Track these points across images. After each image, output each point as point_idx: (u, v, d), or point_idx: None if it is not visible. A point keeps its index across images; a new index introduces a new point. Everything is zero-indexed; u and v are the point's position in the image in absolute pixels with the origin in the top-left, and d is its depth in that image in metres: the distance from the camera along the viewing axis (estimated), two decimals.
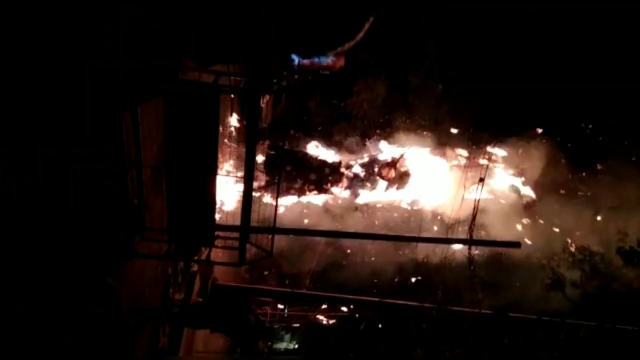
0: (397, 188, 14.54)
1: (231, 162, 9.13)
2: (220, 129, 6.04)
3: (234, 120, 9.17)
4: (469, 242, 10.05)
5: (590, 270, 10.27)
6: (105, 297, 5.80)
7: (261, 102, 6.04)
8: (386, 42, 15.95)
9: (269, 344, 14.78)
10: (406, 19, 15.33)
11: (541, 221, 13.66)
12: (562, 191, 14.17)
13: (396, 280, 14.73)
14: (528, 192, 14.57)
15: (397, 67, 16.44)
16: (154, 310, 7.65)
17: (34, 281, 4.32)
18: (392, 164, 14.43)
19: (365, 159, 15.54)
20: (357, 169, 15.08)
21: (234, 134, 9.15)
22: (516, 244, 9.87)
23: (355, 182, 14.90)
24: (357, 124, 17.05)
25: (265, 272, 16.40)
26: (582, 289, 10.41)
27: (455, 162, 15.80)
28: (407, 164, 14.97)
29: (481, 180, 10.71)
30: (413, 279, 14.68)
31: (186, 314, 8.48)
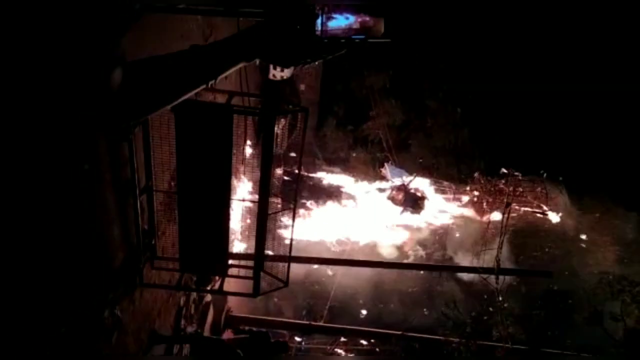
0: (412, 213, 14.06)
1: (246, 188, 8.87)
2: (235, 155, 5.80)
3: (248, 148, 8.98)
4: (496, 271, 9.48)
5: (631, 302, 9.55)
6: (111, 329, 5.48)
7: (276, 127, 5.81)
8: (403, 65, 15.86)
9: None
10: (424, 41, 15.24)
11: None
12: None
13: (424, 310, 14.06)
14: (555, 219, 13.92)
15: (414, 90, 16.28)
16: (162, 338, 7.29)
17: (38, 310, 4.03)
18: (402, 187, 14.04)
19: (382, 184, 15.19)
20: (374, 194, 14.69)
21: (248, 160, 8.94)
22: (548, 274, 9.27)
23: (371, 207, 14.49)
24: (373, 149, 16.82)
25: (282, 302, 15.93)
26: (623, 322, 9.67)
27: (472, 186, 15.33)
28: (422, 188, 14.53)
29: (507, 205, 10.21)
30: (437, 312, 14.02)
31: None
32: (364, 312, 14.95)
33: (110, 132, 4.52)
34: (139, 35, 4.37)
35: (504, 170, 13.38)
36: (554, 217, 13.16)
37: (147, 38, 4.71)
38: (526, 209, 13.12)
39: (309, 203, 13.61)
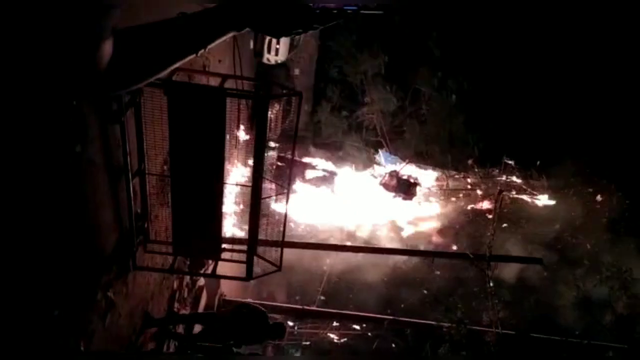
0: (404, 199, 14.14)
1: (239, 172, 8.84)
2: (228, 140, 5.77)
3: (242, 133, 8.93)
4: (487, 258, 9.57)
5: (620, 288, 9.69)
6: (105, 312, 5.48)
7: (270, 112, 5.77)
8: (398, 51, 15.76)
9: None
10: (419, 28, 15.12)
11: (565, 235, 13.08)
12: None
13: (414, 297, 14.20)
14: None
15: (408, 77, 16.18)
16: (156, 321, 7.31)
17: (31, 293, 4.02)
18: (395, 173, 14.11)
19: (375, 170, 15.21)
20: (367, 180, 14.73)
21: (242, 145, 8.91)
22: (539, 260, 9.38)
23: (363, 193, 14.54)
24: (367, 135, 16.80)
25: (275, 287, 16.04)
26: (611, 308, 9.83)
27: (465, 174, 15.39)
28: (415, 175, 14.58)
29: (500, 192, 10.25)
30: (429, 297, 14.16)
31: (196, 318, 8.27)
32: (356, 297, 15.07)
33: (99, 105, 4.42)
34: (129, 14, 4.28)
35: (505, 160, 13.41)
36: (545, 202, 13.25)
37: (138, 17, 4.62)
38: (518, 196, 13.20)
39: (302, 188, 13.63)
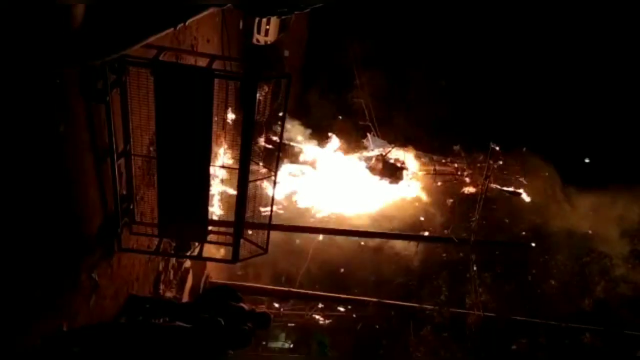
0: (390, 182, 14.22)
1: (227, 154, 8.77)
2: (216, 122, 5.71)
3: (230, 115, 8.83)
4: (471, 242, 9.72)
5: (598, 273, 9.96)
6: (89, 293, 5.46)
7: (259, 94, 5.71)
8: (387, 36, 15.66)
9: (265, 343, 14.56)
10: (409, 14, 15.03)
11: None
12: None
13: (396, 281, 14.41)
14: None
15: (398, 61, 16.14)
16: (141, 300, 7.26)
17: (12, 273, 3.97)
18: (381, 157, 14.18)
19: (364, 154, 15.24)
20: (355, 163, 14.77)
21: (230, 127, 8.82)
22: (526, 246, 9.53)
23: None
24: (357, 119, 16.77)
25: (260, 269, 16.09)
26: (589, 292, 10.10)
27: (452, 159, 15.49)
28: (403, 159, 14.64)
29: (486, 177, 10.36)
30: (413, 280, 14.36)
31: (177, 310, 8.19)
32: (341, 279, 15.23)
33: (83, 84, 4.32)
34: None
35: (492, 145, 13.51)
36: (527, 195, 13.42)
37: None
38: (502, 187, 13.35)
39: (289, 171, 13.61)
